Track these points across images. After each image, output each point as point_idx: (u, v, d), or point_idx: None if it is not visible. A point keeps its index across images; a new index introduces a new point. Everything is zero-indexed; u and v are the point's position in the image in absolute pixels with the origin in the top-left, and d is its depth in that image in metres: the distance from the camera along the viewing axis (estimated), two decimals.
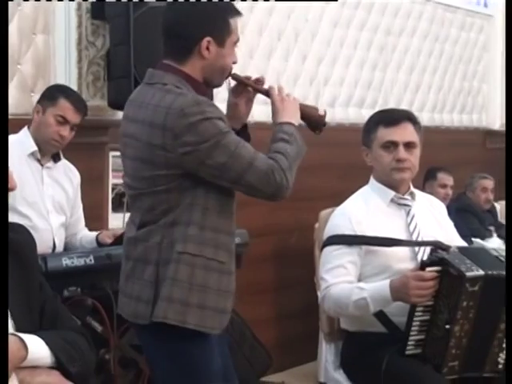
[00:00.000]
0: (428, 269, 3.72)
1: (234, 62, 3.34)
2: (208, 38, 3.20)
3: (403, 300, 3.70)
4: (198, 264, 3.18)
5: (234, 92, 3.47)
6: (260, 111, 4.53)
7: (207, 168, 3.11)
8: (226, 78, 3.40)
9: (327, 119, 6.99)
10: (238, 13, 3.36)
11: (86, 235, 4.68)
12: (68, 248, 4.61)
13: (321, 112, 3.48)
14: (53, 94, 4.43)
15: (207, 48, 3.20)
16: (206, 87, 3.31)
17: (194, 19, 3.24)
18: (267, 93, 3.42)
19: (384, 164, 4.02)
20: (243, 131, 3.42)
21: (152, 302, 3.14)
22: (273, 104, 3.38)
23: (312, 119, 3.43)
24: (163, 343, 3.21)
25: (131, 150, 3.24)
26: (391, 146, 4.00)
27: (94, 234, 4.69)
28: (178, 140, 3.07)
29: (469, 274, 3.62)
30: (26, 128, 4.43)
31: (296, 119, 3.35)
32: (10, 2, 4.72)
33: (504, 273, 3.69)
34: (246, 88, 3.46)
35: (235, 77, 3.40)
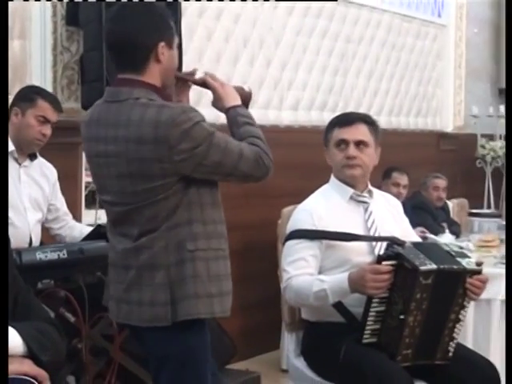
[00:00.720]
0: (384, 263, 3.72)
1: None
2: (162, 43, 3.15)
3: (360, 292, 3.70)
4: (210, 257, 3.19)
5: (176, 92, 3.43)
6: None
7: (204, 168, 3.10)
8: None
9: (291, 122, 7.06)
10: (171, 15, 3.37)
11: (73, 227, 4.68)
12: (57, 240, 4.62)
13: (247, 89, 3.49)
14: (30, 95, 4.41)
15: (162, 53, 3.16)
16: (165, 92, 3.25)
17: (146, 28, 3.16)
18: (204, 83, 3.39)
19: (336, 161, 4.03)
20: None
21: (170, 303, 3.12)
22: (214, 91, 3.34)
23: (243, 97, 3.41)
24: (179, 339, 3.19)
25: (112, 168, 3.15)
26: (343, 144, 4.01)
27: (80, 225, 4.74)
28: (174, 149, 3.01)
29: (422, 267, 3.62)
30: None
31: (239, 100, 3.34)
32: None
33: (455, 266, 3.73)
34: (186, 83, 3.43)
35: (176, 75, 3.37)
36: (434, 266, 3.66)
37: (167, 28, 3.22)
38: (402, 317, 3.68)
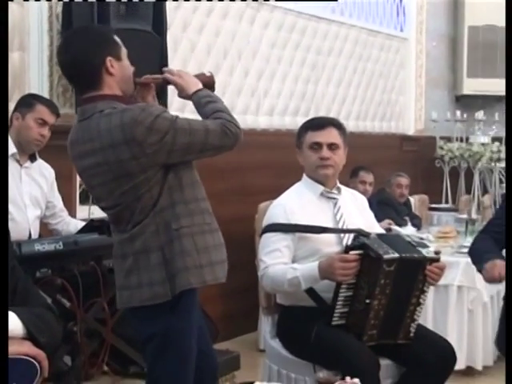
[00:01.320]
0: (351, 252, 3.73)
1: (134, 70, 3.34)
2: (109, 58, 3.18)
3: (330, 278, 3.71)
4: (195, 232, 3.20)
5: (140, 95, 3.43)
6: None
7: (176, 152, 3.12)
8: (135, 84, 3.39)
9: (267, 126, 7.05)
10: (114, 30, 3.45)
11: (68, 222, 4.68)
12: (54, 234, 4.61)
13: (207, 74, 3.48)
14: (29, 101, 4.43)
15: (112, 66, 3.18)
16: (127, 98, 3.27)
17: (91, 48, 3.19)
18: (165, 80, 3.40)
19: (311, 162, 4.04)
20: None
21: (167, 280, 3.15)
22: (175, 84, 3.36)
23: (205, 82, 3.39)
24: (175, 309, 3.21)
25: (99, 177, 3.18)
26: (317, 146, 4.02)
27: (75, 220, 4.73)
28: (144, 144, 3.03)
29: (386, 256, 3.64)
30: None
31: (200, 85, 3.33)
32: None
33: (416, 255, 3.76)
34: (148, 86, 3.42)
35: (136, 81, 3.36)
36: (396, 255, 3.68)
37: (110, 43, 3.25)
38: (367, 301, 3.70)
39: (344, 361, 3.56)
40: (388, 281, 3.70)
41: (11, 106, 4.55)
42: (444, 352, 3.86)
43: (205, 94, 3.31)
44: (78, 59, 3.18)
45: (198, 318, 3.40)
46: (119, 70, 3.22)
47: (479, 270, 3.48)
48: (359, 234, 3.87)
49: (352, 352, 3.66)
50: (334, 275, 3.68)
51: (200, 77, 3.44)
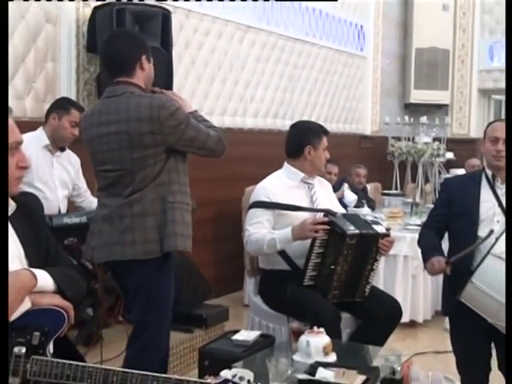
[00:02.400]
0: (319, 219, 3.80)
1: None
2: (144, 56, 3.24)
3: (301, 236, 3.74)
4: (183, 208, 3.24)
5: None
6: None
7: (183, 141, 3.17)
8: None
9: (252, 126, 7.02)
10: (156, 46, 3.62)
11: (91, 200, 4.62)
12: (79, 210, 4.58)
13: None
14: (65, 105, 4.39)
15: (144, 63, 3.25)
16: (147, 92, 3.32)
17: (132, 45, 3.26)
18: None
19: (322, 163, 4.11)
20: None
21: (159, 240, 3.15)
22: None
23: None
24: (161, 268, 3.23)
25: (115, 143, 3.14)
26: (326, 149, 4.10)
27: (94, 198, 4.68)
28: (164, 125, 3.09)
29: (349, 232, 3.67)
30: (41, 128, 4.38)
31: (192, 107, 3.41)
32: (27, 39, 4.67)
33: (371, 231, 3.78)
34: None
35: (150, 89, 3.39)
36: (357, 231, 3.71)
37: (146, 47, 3.30)
38: (332, 267, 3.73)
39: (312, 314, 3.56)
40: (349, 251, 3.72)
41: (45, 106, 4.53)
42: (392, 308, 3.89)
43: (198, 114, 3.40)
44: (120, 51, 3.23)
45: None
46: (148, 68, 3.28)
47: (424, 266, 3.50)
48: (328, 213, 3.87)
49: (319, 307, 3.67)
50: (305, 231, 3.71)
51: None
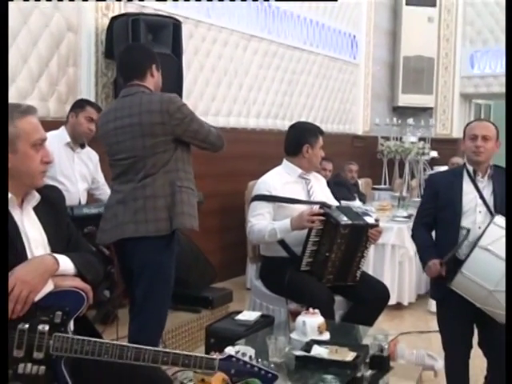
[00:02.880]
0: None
1: None
2: (154, 65, 3.39)
3: (299, 226, 3.75)
4: (189, 192, 3.32)
5: None
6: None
7: (188, 133, 3.27)
8: None
9: (255, 126, 7.00)
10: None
11: (108, 193, 4.60)
12: (98, 201, 4.57)
13: None
14: (81, 104, 4.41)
15: (154, 71, 3.39)
16: None
17: (144, 55, 3.42)
18: None
19: (319, 161, 4.14)
20: None
21: (169, 219, 3.21)
22: None
23: None
24: (168, 247, 3.28)
25: (129, 134, 3.25)
26: (321, 148, 4.09)
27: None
28: (172, 117, 3.20)
29: (342, 222, 3.68)
30: (63, 127, 4.38)
31: None
32: (51, 45, 4.67)
33: (362, 222, 3.79)
34: None
35: None
36: (349, 222, 3.72)
37: (155, 58, 3.43)
38: (327, 254, 3.74)
39: (309, 296, 3.57)
40: (343, 240, 3.72)
41: (67, 107, 4.53)
42: (381, 291, 3.90)
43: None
44: (134, 59, 3.39)
45: None
46: (157, 76, 3.42)
47: (422, 266, 3.51)
48: (323, 205, 3.88)
49: (314, 290, 3.68)
50: (303, 222, 3.72)
51: None
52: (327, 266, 3.77)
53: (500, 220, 3.08)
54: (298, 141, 4.05)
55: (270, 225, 3.83)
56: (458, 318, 3.30)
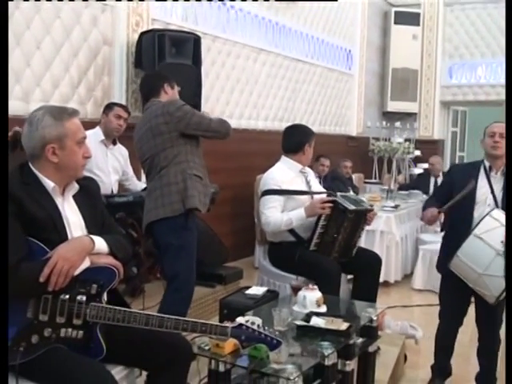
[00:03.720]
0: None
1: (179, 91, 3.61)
2: (166, 84, 3.49)
3: (313, 213, 3.74)
4: (197, 179, 3.37)
5: None
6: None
7: (191, 126, 3.33)
8: None
9: (263, 127, 6.97)
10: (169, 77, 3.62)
11: (136, 184, 4.66)
12: (127, 191, 4.57)
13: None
14: (110, 105, 4.44)
15: (167, 89, 3.50)
16: None
17: (156, 81, 3.53)
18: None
19: (311, 157, 4.12)
20: None
21: (182, 201, 3.28)
22: None
23: None
24: (185, 226, 3.32)
25: (146, 138, 3.38)
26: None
27: (141, 183, 4.66)
28: (173, 115, 3.29)
29: (350, 208, 3.72)
30: (98, 127, 4.39)
31: None
32: (89, 57, 4.67)
33: (363, 208, 3.85)
34: None
35: None
36: (355, 208, 3.76)
37: (166, 79, 3.53)
38: (335, 235, 3.77)
39: (319, 269, 3.60)
40: (348, 223, 3.75)
41: (102, 110, 4.53)
42: (374, 259, 3.94)
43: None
44: (150, 84, 3.53)
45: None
46: (171, 92, 3.51)
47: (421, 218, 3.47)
48: (330, 194, 3.88)
49: (324, 263, 3.69)
50: (316, 208, 3.73)
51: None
52: (334, 246, 3.78)
53: (497, 213, 3.03)
54: (300, 140, 4.01)
55: (285, 216, 3.79)
56: (458, 292, 3.25)
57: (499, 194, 3.21)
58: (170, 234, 3.30)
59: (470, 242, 3.01)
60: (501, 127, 3.26)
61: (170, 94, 3.47)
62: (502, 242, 2.92)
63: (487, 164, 3.30)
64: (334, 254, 3.78)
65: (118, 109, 4.40)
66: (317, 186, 4.11)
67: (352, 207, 3.71)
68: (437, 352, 3.47)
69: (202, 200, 3.38)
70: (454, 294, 3.31)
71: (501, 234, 2.93)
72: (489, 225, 3.00)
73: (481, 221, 3.04)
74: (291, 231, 3.86)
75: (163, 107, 3.32)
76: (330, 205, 3.72)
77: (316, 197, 3.86)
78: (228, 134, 3.45)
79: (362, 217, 3.83)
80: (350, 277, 4.04)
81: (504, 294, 2.92)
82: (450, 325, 3.40)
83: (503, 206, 3.12)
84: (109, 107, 4.43)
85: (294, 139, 4.05)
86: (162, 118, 3.29)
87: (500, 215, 3.02)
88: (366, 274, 3.82)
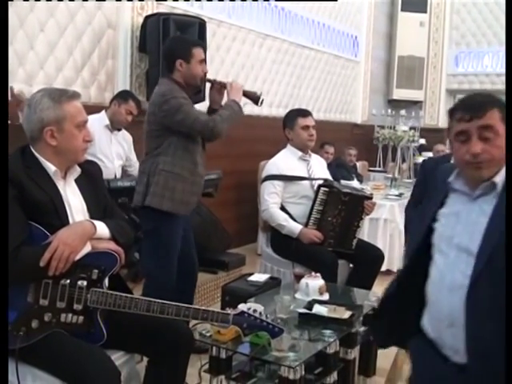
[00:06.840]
0: (322, 188, 3.80)
1: (204, 71, 3.27)
2: (179, 60, 3.20)
3: (303, 238, 3.77)
4: (170, 176, 3.18)
5: (210, 89, 3.42)
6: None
7: (175, 122, 3.11)
8: (203, 82, 3.35)
9: (268, 114, 6.95)
10: (197, 43, 3.36)
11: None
12: (130, 176, 4.53)
13: (258, 93, 3.38)
14: (126, 96, 4.39)
15: (180, 65, 3.20)
16: (187, 87, 3.25)
17: (169, 52, 3.28)
18: (224, 85, 3.35)
19: (302, 138, 4.00)
20: (216, 110, 3.31)
21: (143, 195, 3.18)
22: (226, 92, 3.33)
23: (251, 97, 3.34)
24: (149, 221, 3.22)
25: (146, 119, 3.27)
26: (306, 128, 3.98)
27: None
28: (160, 108, 3.11)
29: (344, 190, 3.78)
30: (104, 111, 4.38)
31: (239, 97, 3.28)
32: (93, 40, 4.63)
33: (359, 193, 3.88)
34: (213, 85, 3.38)
35: (207, 79, 3.34)
36: (349, 191, 3.81)
37: (182, 51, 3.22)
38: (329, 218, 3.77)
39: (315, 258, 3.61)
40: (343, 207, 3.77)
41: (105, 94, 4.52)
42: (376, 254, 3.93)
43: (230, 104, 3.25)
44: (164, 54, 3.40)
45: (184, 223, 3.33)
46: (186, 69, 3.21)
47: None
48: (326, 180, 3.91)
49: (319, 253, 3.70)
50: (306, 239, 3.76)
51: (250, 92, 3.37)
52: (329, 230, 3.79)
53: None
54: (283, 129, 4.08)
55: (283, 220, 3.84)
56: None
57: None
58: (148, 222, 3.23)
59: None
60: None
61: (184, 70, 3.20)
62: None
63: None
64: (328, 239, 3.79)
65: (132, 105, 4.34)
66: (319, 173, 4.09)
67: (346, 190, 3.76)
68: None
69: (167, 196, 3.17)
70: None
71: None
72: None
73: None
74: (289, 218, 3.88)
75: (155, 96, 3.17)
76: (319, 236, 3.76)
77: (311, 231, 3.83)
78: (212, 136, 3.18)
79: (359, 203, 3.83)
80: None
81: None
82: None
83: None
84: (123, 98, 4.36)
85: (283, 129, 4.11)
86: (152, 107, 3.18)
87: None
88: (366, 266, 3.81)
